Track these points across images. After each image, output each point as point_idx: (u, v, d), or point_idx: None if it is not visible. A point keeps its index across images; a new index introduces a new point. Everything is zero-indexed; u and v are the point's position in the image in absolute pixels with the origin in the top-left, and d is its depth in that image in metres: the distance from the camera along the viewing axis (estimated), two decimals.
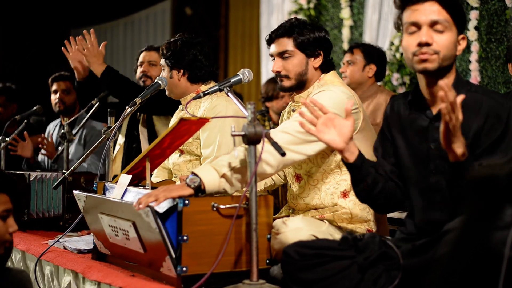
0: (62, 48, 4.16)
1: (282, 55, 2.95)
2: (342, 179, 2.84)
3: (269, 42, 3.01)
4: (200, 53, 3.53)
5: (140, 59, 4.47)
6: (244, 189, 2.54)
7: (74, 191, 2.94)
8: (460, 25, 2.31)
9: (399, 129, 2.45)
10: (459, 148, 2.07)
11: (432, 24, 2.26)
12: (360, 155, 2.39)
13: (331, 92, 2.79)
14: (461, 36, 2.32)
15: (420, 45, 2.26)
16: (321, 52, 2.95)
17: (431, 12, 2.26)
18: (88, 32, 4.02)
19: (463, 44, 2.33)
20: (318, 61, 2.95)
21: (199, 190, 2.45)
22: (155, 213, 2.34)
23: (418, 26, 2.27)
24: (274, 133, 2.55)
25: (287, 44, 2.94)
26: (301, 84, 2.97)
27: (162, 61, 3.56)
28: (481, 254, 1.64)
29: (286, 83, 2.96)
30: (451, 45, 2.27)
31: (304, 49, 2.93)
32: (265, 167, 2.57)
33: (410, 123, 2.41)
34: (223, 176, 2.49)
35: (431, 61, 2.25)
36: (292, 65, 2.94)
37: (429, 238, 2.22)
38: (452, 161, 2.10)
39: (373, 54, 4.57)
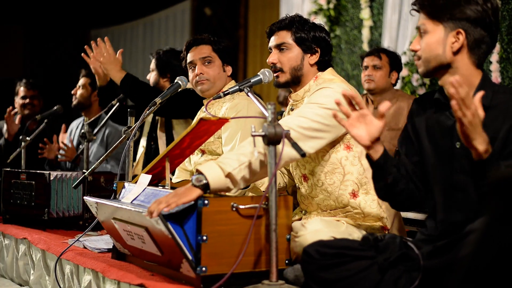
0: (83, 54, 4.18)
1: (279, 47, 2.96)
2: (346, 179, 2.83)
3: (269, 34, 3.03)
4: None
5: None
6: (248, 187, 2.52)
7: (84, 197, 2.94)
8: (449, 21, 2.28)
9: (425, 128, 2.45)
10: (480, 144, 2.05)
11: (420, 31, 2.36)
12: (385, 153, 2.37)
13: (331, 90, 2.77)
14: (455, 31, 2.28)
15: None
16: (318, 50, 2.95)
17: (419, 20, 2.36)
18: (103, 40, 4.01)
19: (461, 40, 2.28)
20: (314, 58, 2.95)
21: (207, 187, 2.43)
22: (166, 221, 2.32)
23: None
24: None
25: (285, 36, 2.95)
26: (296, 80, 2.96)
27: (213, 54, 3.59)
28: (503, 255, 1.63)
29: (281, 78, 2.96)
30: (432, 45, 2.31)
31: (301, 44, 2.94)
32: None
33: (435, 122, 2.40)
34: (228, 176, 2.46)
35: (418, 66, 2.38)
36: (288, 58, 2.94)
37: (450, 239, 2.20)
38: (475, 159, 2.08)
39: (397, 61, 4.59)
